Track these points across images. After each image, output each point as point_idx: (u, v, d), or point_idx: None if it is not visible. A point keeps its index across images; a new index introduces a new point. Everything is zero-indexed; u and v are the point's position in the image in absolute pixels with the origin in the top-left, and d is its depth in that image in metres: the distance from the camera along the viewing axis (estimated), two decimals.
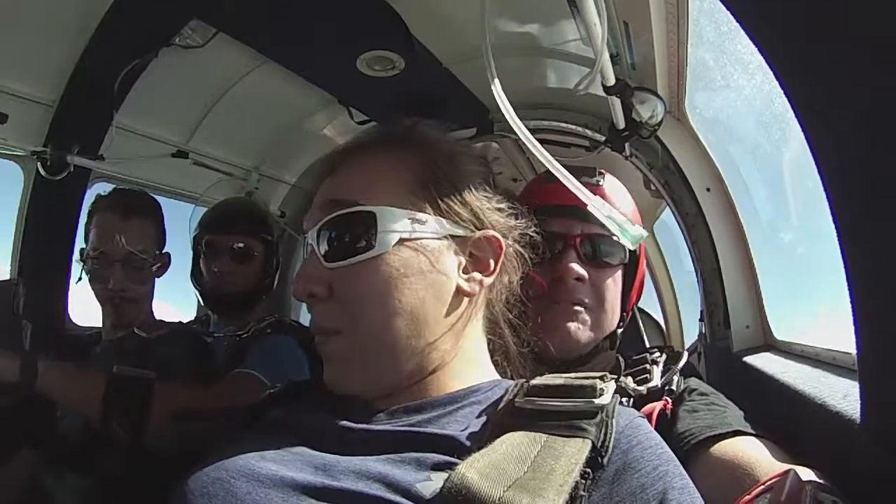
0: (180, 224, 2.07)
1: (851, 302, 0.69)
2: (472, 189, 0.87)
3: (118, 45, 1.66)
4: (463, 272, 0.84)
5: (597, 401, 0.71)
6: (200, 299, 1.99)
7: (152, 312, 1.81)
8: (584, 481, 0.64)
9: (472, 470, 0.62)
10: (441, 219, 0.82)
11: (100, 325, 1.77)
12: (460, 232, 0.83)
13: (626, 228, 0.90)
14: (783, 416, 1.04)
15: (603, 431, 0.68)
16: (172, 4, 1.60)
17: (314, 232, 0.81)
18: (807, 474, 0.75)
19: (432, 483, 0.65)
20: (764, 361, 1.38)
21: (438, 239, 0.82)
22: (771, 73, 0.70)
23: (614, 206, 1.25)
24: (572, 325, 1.20)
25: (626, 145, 1.93)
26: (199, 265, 1.94)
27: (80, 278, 1.72)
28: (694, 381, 1.15)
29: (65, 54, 1.71)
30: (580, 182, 0.96)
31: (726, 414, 1.02)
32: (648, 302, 3.06)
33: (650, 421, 1.00)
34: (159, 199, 1.89)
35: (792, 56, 0.67)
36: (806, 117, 0.68)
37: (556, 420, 0.70)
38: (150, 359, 1.48)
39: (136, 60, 1.67)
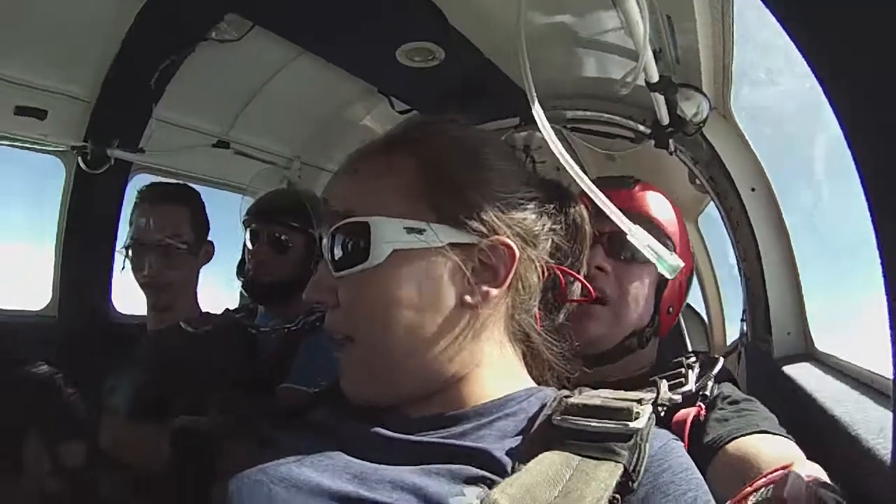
0: (225, 215, 2.11)
1: (890, 325, 0.64)
2: (483, 190, 0.79)
3: (154, 41, 1.70)
4: (467, 283, 0.77)
5: (632, 424, 0.70)
6: (242, 290, 2.04)
7: (197, 303, 1.86)
8: None
9: (504, 496, 0.62)
10: (443, 226, 0.75)
11: (142, 313, 1.84)
12: (465, 239, 0.76)
13: (663, 258, 0.88)
14: (815, 437, 1.00)
15: (636, 455, 0.67)
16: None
17: (326, 240, 0.80)
18: (813, 468, 0.73)
19: (465, 499, 0.65)
20: (803, 373, 1.34)
21: (438, 248, 0.75)
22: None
23: (651, 214, 1.23)
24: (590, 322, 1.19)
25: (670, 141, 1.87)
26: (244, 255, 1.99)
27: (122, 268, 1.77)
28: (727, 388, 1.13)
29: (102, 51, 1.75)
30: (614, 191, 0.94)
31: (754, 416, 1.01)
32: (692, 295, 2.97)
33: (683, 427, 1.00)
34: (204, 189, 1.95)
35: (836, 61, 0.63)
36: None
37: (590, 441, 0.69)
38: (195, 358, 1.54)
39: (172, 56, 1.70)
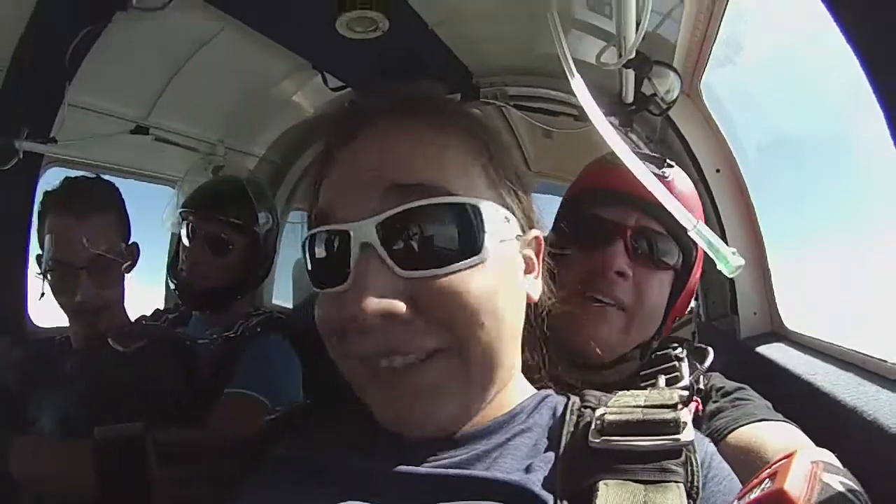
0: (147, 208, 1.90)
1: None
2: (524, 183, 0.73)
3: (68, 11, 1.45)
4: (524, 275, 0.71)
5: (682, 437, 0.63)
6: (176, 294, 1.80)
7: (125, 313, 1.64)
8: None
9: None
10: (513, 216, 0.68)
11: (63, 324, 1.60)
12: (522, 232, 0.70)
13: (727, 259, 0.80)
14: (806, 418, 1.01)
15: (689, 470, 0.62)
16: None
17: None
18: (817, 454, 0.72)
19: None
20: (779, 354, 1.36)
21: (514, 240, 0.68)
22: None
23: (688, 207, 1.13)
24: (603, 328, 1.08)
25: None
26: (178, 254, 1.76)
27: (42, 294, 1.52)
28: (717, 379, 1.11)
29: (7, 27, 1.49)
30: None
31: (749, 405, 0.99)
32: None
33: None
34: (122, 181, 1.70)
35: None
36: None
37: (641, 462, 0.62)
38: (129, 379, 1.36)
39: (87, 28, 1.44)
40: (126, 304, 1.65)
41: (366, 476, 0.62)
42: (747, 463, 0.83)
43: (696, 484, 0.61)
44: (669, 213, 1.10)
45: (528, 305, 0.73)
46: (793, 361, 1.28)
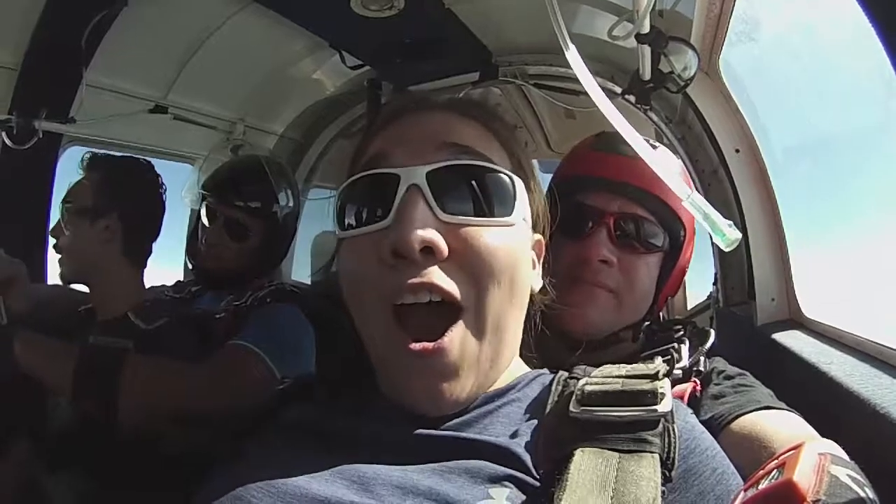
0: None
1: None
2: (538, 191, 0.81)
3: None
4: (531, 268, 0.79)
5: (659, 408, 0.65)
6: (193, 275, 1.83)
7: (140, 286, 1.65)
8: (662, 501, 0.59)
9: None
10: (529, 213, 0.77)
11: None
12: (530, 231, 0.78)
13: (723, 231, 0.78)
14: (820, 409, 0.98)
15: (667, 441, 0.63)
16: None
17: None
18: (824, 446, 0.70)
19: (494, 502, 0.58)
20: (797, 343, 1.32)
21: (529, 229, 0.77)
22: None
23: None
24: (592, 310, 1.10)
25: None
26: (196, 233, 1.80)
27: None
28: (720, 363, 1.09)
29: (25, 11, 1.52)
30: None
31: (752, 392, 0.98)
32: None
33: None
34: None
35: None
36: None
37: (619, 432, 0.64)
38: (148, 353, 1.38)
39: (104, 11, 1.47)
40: (131, 280, 1.64)
41: (364, 440, 0.66)
42: (752, 451, 0.83)
43: (672, 455, 0.62)
44: (653, 196, 1.11)
45: (532, 298, 0.80)
46: (807, 350, 1.25)
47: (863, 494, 0.58)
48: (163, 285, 1.83)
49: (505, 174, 0.70)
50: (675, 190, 0.79)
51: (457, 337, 0.66)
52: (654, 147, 1.13)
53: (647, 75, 1.63)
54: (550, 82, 2.31)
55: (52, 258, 1.63)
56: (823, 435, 0.82)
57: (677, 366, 1.05)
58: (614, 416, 0.65)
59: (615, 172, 1.12)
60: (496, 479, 0.61)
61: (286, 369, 1.40)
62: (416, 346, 0.65)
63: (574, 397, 0.68)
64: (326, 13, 1.84)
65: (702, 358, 1.07)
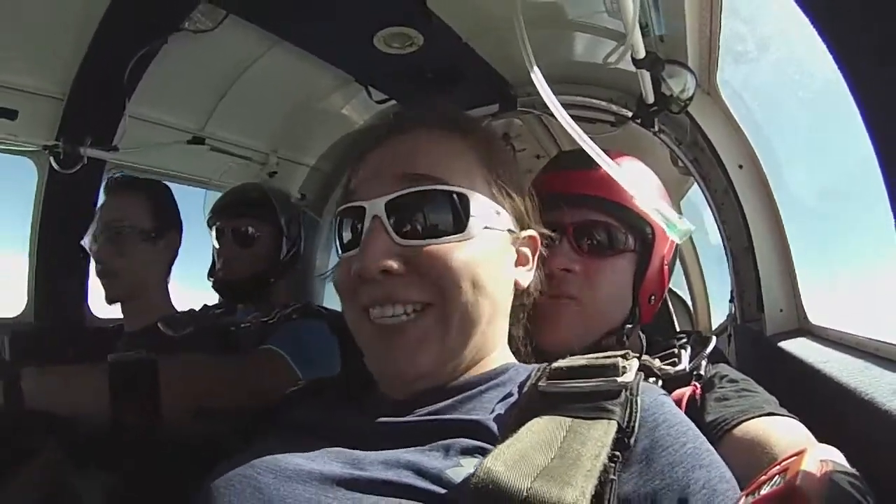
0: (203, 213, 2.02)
1: None
2: (521, 187, 0.90)
3: (126, 33, 1.63)
4: (514, 266, 0.87)
5: (619, 379, 0.70)
6: (216, 290, 1.95)
7: (168, 300, 1.80)
8: (612, 464, 0.63)
9: (498, 462, 0.61)
10: (506, 213, 0.84)
11: (118, 316, 1.78)
12: (514, 228, 0.86)
13: (672, 222, 0.85)
14: (821, 410, 0.99)
15: (628, 411, 0.67)
16: None
17: (381, 204, 0.77)
18: (826, 452, 0.71)
19: (463, 469, 0.65)
20: (801, 348, 1.33)
21: (503, 231, 0.83)
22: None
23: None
24: (561, 322, 1.13)
25: (655, 120, 1.86)
26: (214, 257, 1.92)
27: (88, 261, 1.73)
28: (724, 368, 1.11)
29: (72, 46, 1.68)
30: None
31: (756, 397, 1.00)
32: (676, 281, 3.00)
33: (679, 407, 0.98)
34: (180, 187, 1.92)
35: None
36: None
37: (580, 402, 0.69)
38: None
39: (145, 48, 1.63)
40: (167, 292, 1.81)
41: (353, 430, 0.75)
42: (754, 456, 0.85)
43: (632, 423, 0.66)
44: (611, 202, 1.15)
45: (521, 292, 0.89)
46: (807, 353, 1.26)
47: (864, 502, 0.60)
48: (190, 309, 1.92)
49: (457, 193, 0.78)
50: (625, 187, 0.86)
51: (419, 320, 0.76)
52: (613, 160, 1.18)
53: (650, 99, 1.70)
54: (567, 111, 2.38)
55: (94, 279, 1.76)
56: (826, 433, 0.84)
57: (676, 368, 1.06)
58: (575, 386, 0.71)
59: (568, 186, 1.17)
60: (468, 451, 0.68)
61: (310, 375, 1.44)
62: (378, 322, 0.76)
63: (544, 374, 0.76)
64: (351, 50, 1.98)
65: (703, 362, 1.09)
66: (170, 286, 1.84)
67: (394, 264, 0.75)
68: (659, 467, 0.64)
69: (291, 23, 1.79)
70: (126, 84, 1.70)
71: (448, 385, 0.79)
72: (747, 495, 0.64)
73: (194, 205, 2.06)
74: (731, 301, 1.91)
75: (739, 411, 0.95)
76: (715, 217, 1.88)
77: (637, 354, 0.78)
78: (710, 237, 1.95)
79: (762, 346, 1.57)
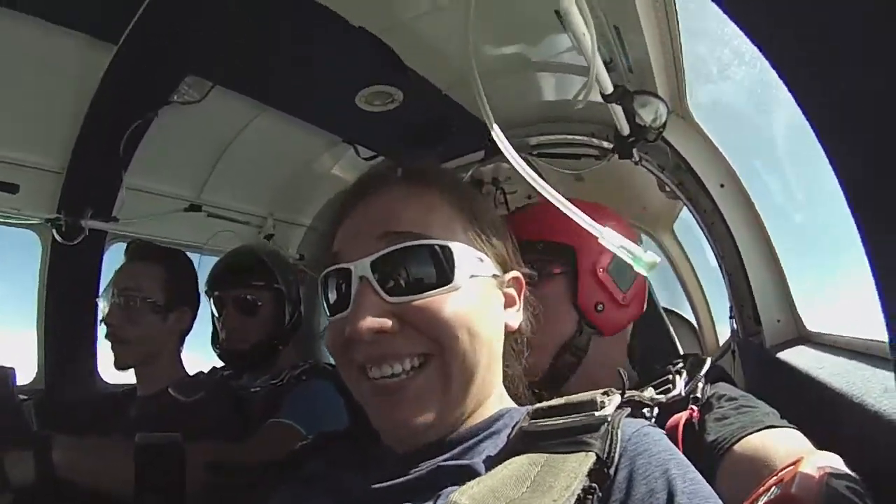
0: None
1: (878, 291, 0.64)
2: (502, 230, 0.90)
3: (118, 108, 1.70)
4: (503, 308, 0.87)
5: (598, 413, 0.71)
6: (221, 360, 1.95)
7: (179, 367, 1.78)
8: (589, 496, 0.63)
9: (464, 497, 0.62)
10: (490, 258, 0.84)
11: (129, 381, 1.76)
12: (498, 272, 0.86)
13: (638, 257, 0.87)
14: (820, 416, 0.99)
15: (608, 442, 0.67)
16: (165, 64, 1.63)
17: (367, 264, 0.76)
18: (824, 460, 0.71)
19: None
20: (797, 357, 1.33)
21: (488, 277, 0.83)
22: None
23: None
24: None
25: (634, 150, 1.90)
26: (214, 325, 1.93)
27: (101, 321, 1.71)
28: (722, 387, 1.11)
29: (68, 121, 1.75)
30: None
31: (755, 412, 0.99)
32: (679, 304, 3.00)
33: (676, 432, 0.99)
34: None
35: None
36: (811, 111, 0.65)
37: (559, 438, 0.70)
38: (187, 425, 1.47)
39: (137, 122, 1.69)
40: (179, 360, 1.80)
41: (355, 492, 0.76)
42: (754, 471, 0.85)
43: (611, 454, 0.66)
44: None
45: (510, 334, 0.89)
46: (803, 360, 1.26)
47: None
48: (199, 371, 1.91)
49: (439, 246, 0.78)
50: (588, 228, 0.89)
51: (419, 375, 0.76)
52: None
53: (626, 130, 1.75)
54: (552, 149, 2.44)
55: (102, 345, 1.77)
56: (825, 439, 0.85)
57: (671, 395, 1.07)
58: (556, 424, 0.72)
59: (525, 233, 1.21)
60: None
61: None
62: (379, 382, 0.76)
63: (528, 415, 0.77)
64: (335, 112, 2.06)
65: (700, 384, 1.09)
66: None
67: (387, 322, 0.75)
68: (639, 496, 0.64)
69: (274, 90, 1.87)
70: (122, 156, 1.76)
71: (447, 438, 0.78)
72: None
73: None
74: (731, 318, 1.90)
75: (739, 428, 0.95)
76: (706, 237, 1.90)
77: (619, 390, 0.78)
78: (710, 258, 1.97)
79: (763, 359, 1.56)
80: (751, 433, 0.93)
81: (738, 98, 1.73)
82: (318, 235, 2.70)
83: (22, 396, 1.23)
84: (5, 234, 1.95)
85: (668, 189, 2.06)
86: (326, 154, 2.42)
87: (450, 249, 0.78)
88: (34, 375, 1.98)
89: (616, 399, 0.74)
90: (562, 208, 0.91)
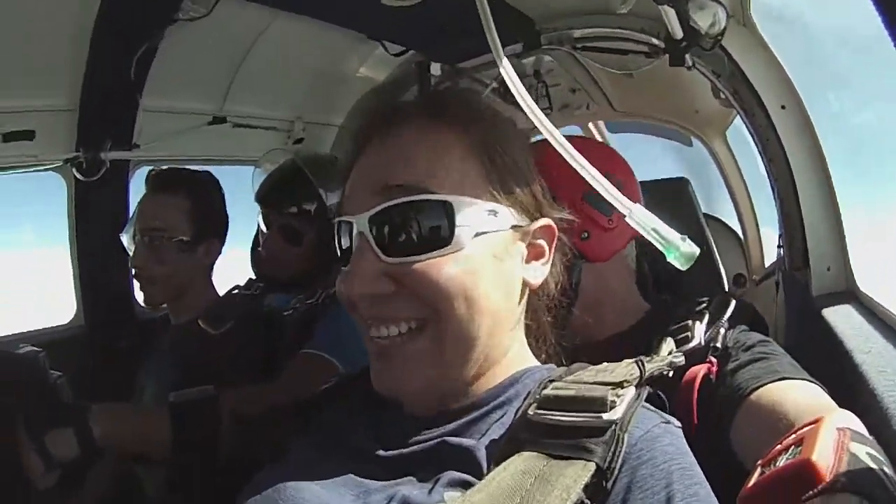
0: (236, 189, 2.01)
1: None
2: (530, 173, 0.81)
3: (120, 34, 1.60)
4: (524, 262, 0.80)
5: (606, 416, 0.66)
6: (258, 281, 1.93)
7: (209, 295, 1.79)
8: None
9: None
10: (509, 208, 0.76)
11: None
12: (523, 222, 0.78)
13: (677, 247, 0.75)
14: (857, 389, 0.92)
15: (612, 450, 0.63)
16: None
17: (365, 220, 0.72)
18: (844, 419, 0.67)
19: None
20: (845, 321, 1.22)
21: (506, 230, 0.76)
22: None
23: None
24: None
25: (687, 56, 1.68)
26: (258, 235, 1.90)
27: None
28: (741, 334, 1.06)
29: (73, 57, 1.67)
30: None
31: (772, 361, 0.95)
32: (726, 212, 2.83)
33: (692, 386, 0.95)
34: (210, 168, 1.85)
35: None
36: None
37: (561, 437, 0.66)
38: (218, 358, 1.51)
39: (143, 45, 1.60)
40: (210, 286, 1.81)
41: (365, 453, 0.76)
42: (770, 424, 0.82)
43: (612, 464, 0.63)
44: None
45: (538, 288, 0.83)
46: (852, 331, 1.16)
47: (881, 474, 0.57)
48: (235, 286, 1.90)
49: (439, 201, 0.71)
50: (616, 206, 0.77)
51: (413, 340, 0.73)
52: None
53: (679, 34, 1.53)
54: (597, 43, 2.20)
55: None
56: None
57: (687, 346, 1.02)
58: (561, 420, 0.68)
59: None
60: (453, 484, 0.67)
61: (349, 363, 1.47)
62: (377, 342, 0.75)
63: (535, 400, 0.72)
64: (356, 10, 1.88)
65: (721, 331, 1.04)
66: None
67: (381, 287, 0.72)
68: None
69: None
70: (133, 82, 1.70)
71: (452, 407, 0.77)
72: (763, 466, 0.63)
73: (226, 183, 2.01)
74: (779, 246, 1.77)
75: (753, 377, 0.92)
76: (760, 154, 1.72)
77: (636, 378, 0.73)
78: (763, 172, 1.80)
79: (808, 309, 1.45)
80: (766, 384, 0.90)
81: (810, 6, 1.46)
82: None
83: (56, 373, 1.21)
84: (32, 180, 1.95)
85: (722, 96, 1.85)
86: (353, 52, 2.27)
87: (452, 206, 0.71)
88: (74, 312, 2.07)
89: (629, 395, 0.69)
90: (581, 171, 0.80)
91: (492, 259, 0.74)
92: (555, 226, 0.82)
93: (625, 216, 0.76)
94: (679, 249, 0.75)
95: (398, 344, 0.74)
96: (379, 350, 0.76)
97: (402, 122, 0.78)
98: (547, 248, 0.82)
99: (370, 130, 0.79)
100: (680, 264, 0.76)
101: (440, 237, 0.71)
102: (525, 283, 0.80)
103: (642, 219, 0.75)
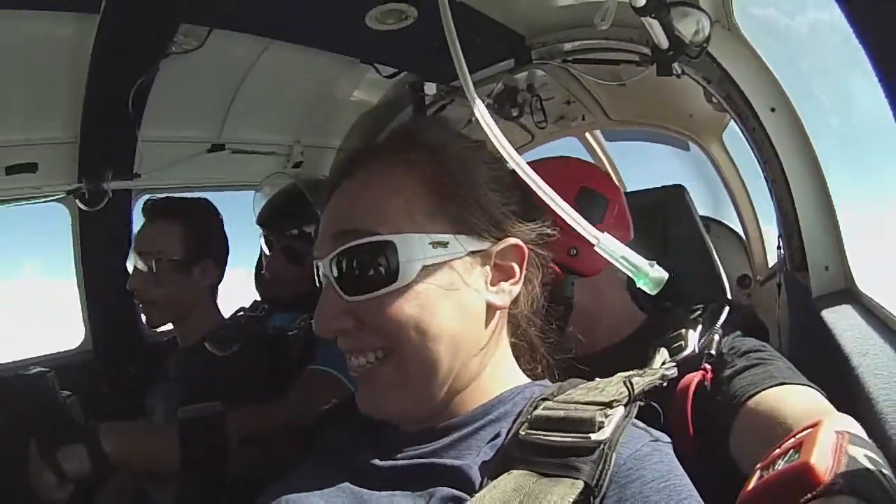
0: (238, 214, 2.06)
1: None
2: (489, 194, 0.82)
3: (117, 68, 1.64)
4: (491, 285, 0.81)
5: (594, 436, 0.68)
6: (262, 300, 1.97)
7: (213, 316, 1.81)
8: None
9: None
10: (462, 236, 0.78)
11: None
12: (483, 246, 0.80)
13: (642, 271, 0.76)
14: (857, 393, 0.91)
15: (599, 468, 0.65)
16: (155, 18, 1.54)
17: (328, 263, 0.78)
18: (842, 423, 0.67)
19: None
20: (844, 323, 1.21)
21: (462, 258, 0.78)
22: None
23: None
24: None
25: (675, 65, 1.69)
26: (261, 258, 1.94)
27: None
28: (737, 340, 1.06)
29: (72, 91, 1.71)
30: None
31: (768, 366, 0.95)
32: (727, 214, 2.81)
33: (686, 397, 0.96)
34: (210, 195, 1.89)
35: None
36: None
37: (550, 457, 0.68)
38: (225, 380, 1.51)
39: (140, 78, 1.63)
40: (214, 308, 1.82)
41: (364, 467, 0.79)
42: (768, 429, 0.83)
43: (600, 483, 0.64)
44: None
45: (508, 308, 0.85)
46: (849, 333, 1.15)
47: (880, 476, 0.57)
48: (240, 308, 1.94)
49: (382, 241, 0.75)
50: (585, 236, 0.78)
51: (382, 366, 0.78)
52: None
53: (664, 44, 1.54)
54: (587, 55, 2.22)
55: None
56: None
57: (681, 355, 1.03)
58: (550, 440, 0.69)
59: None
60: (446, 500, 0.69)
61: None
62: (355, 370, 0.80)
63: (527, 420, 0.74)
64: (345, 36, 1.91)
65: (715, 338, 1.05)
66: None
67: (344, 323, 0.77)
68: None
69: (276, 22, 1.74)
70: (132, 113, 1.72)
71: (439, 426, 0.79)
72: (762, 469, 0.63)
73: (227, 208, 2.04)
74: (778, 248, 1.76)
75: (750, 383, 0.92)
76: (756, 156, 1.72)
77: (626, 397, 0.74)
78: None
79: (808, 310, 1.44)
80: (764, 389, 0.90)
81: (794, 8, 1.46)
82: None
83: (66, 393, 1.24)
84: (37, 212, 1.99)
85: (715, 101, 1.86)
86: (346, 76, 2.31)
87: (393, 244, 0.75)
88: (82, 338, 2.10)
89: (618, 414, 0.71)
90: (548, 201, 0.82)
91: (443, 288, 0.77)
92: (523, 245, 0.83)
93: (596, 247, 0.78)
94: (648, 275, 0.77)
95: (369, 371, 0.78)
96: (358, 377, 0.81)
97: (360, 168, 0.83)
98: (517, 267, 0.83)
99: (337, 176, 0.85)
100: (649, 289, 0.78)
101: (388, 274, 0.75)
102: (492, 306, 0.81)
103: (610, 248, 0.78)
